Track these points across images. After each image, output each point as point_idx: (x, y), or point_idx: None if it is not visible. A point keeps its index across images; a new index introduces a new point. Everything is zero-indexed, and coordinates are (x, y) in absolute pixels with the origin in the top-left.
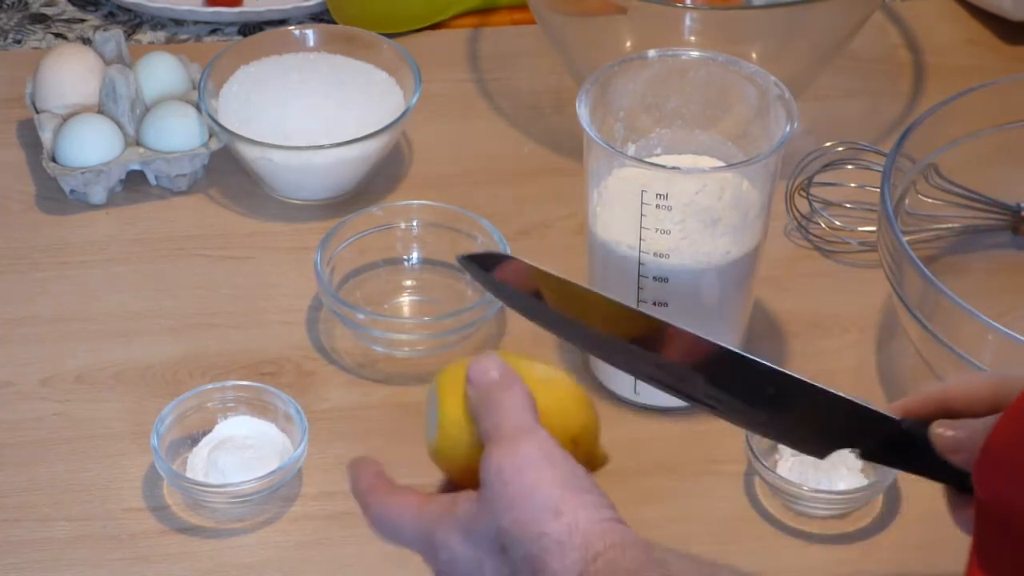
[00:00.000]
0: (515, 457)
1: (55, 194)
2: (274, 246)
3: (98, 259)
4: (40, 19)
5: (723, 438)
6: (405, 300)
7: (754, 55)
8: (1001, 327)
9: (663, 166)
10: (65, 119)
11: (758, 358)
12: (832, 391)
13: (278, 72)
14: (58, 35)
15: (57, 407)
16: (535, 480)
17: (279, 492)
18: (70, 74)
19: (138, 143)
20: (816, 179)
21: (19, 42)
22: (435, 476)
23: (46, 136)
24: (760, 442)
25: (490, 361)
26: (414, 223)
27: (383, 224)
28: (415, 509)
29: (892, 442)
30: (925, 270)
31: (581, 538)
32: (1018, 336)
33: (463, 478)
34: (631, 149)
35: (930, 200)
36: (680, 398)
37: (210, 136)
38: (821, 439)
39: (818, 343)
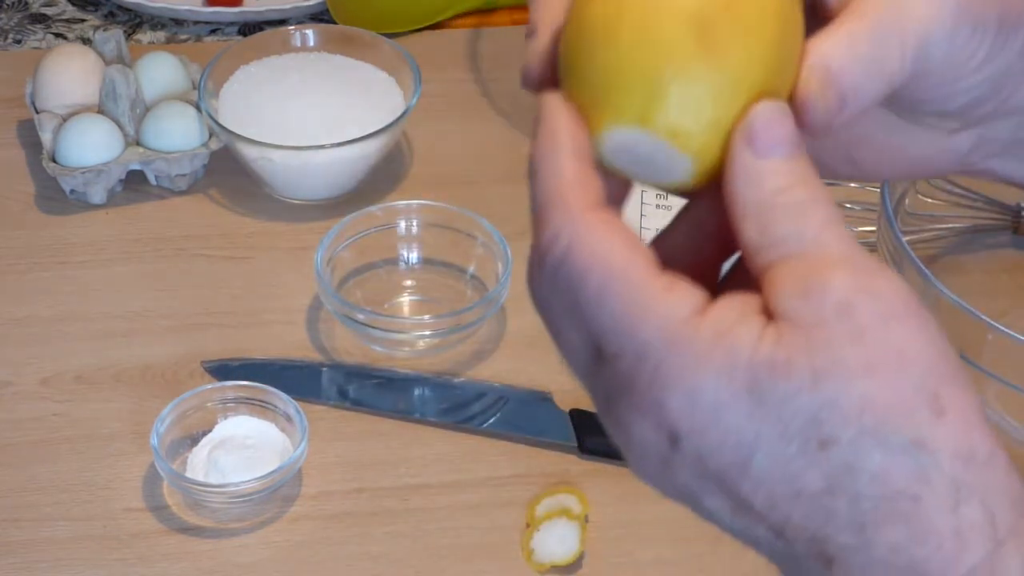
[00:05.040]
0: (877, 298)
1: (55, 194)
2: (274, 246)
3: (98, 259)
4: (40, 19)
5: None
6: (405, 300)
7: None
8: (1001, 327)
9: None
10: (65, 119)
11: None
12: None
13: (278, 72)
14: (58, 35)
15: (57, 407)
16: (907, 345)
17: (279, 492)
18: (70, 74)
19: (138, 143)
20: None
21: (19, 42)
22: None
23: (46, 136)
24: None
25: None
26: (414, 223)
27: (383, 224)
28: (655, 295)
29: None
30: (925, 270)
31: (976, 476)
32: (1018, 336)
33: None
34: None
35: (930, 200)
36: None
37: (210, 136)
38: None
39: None
